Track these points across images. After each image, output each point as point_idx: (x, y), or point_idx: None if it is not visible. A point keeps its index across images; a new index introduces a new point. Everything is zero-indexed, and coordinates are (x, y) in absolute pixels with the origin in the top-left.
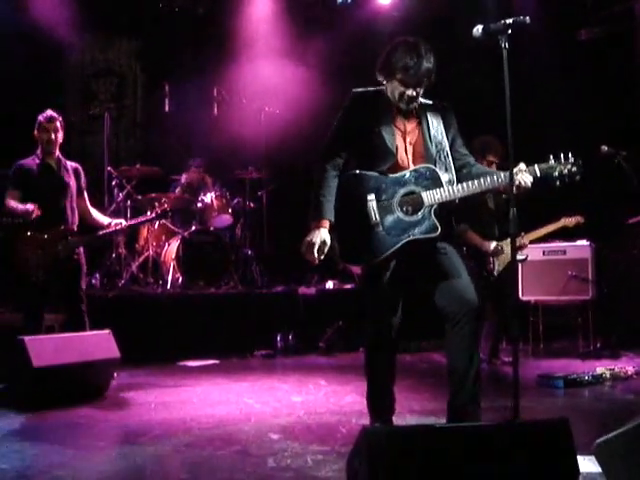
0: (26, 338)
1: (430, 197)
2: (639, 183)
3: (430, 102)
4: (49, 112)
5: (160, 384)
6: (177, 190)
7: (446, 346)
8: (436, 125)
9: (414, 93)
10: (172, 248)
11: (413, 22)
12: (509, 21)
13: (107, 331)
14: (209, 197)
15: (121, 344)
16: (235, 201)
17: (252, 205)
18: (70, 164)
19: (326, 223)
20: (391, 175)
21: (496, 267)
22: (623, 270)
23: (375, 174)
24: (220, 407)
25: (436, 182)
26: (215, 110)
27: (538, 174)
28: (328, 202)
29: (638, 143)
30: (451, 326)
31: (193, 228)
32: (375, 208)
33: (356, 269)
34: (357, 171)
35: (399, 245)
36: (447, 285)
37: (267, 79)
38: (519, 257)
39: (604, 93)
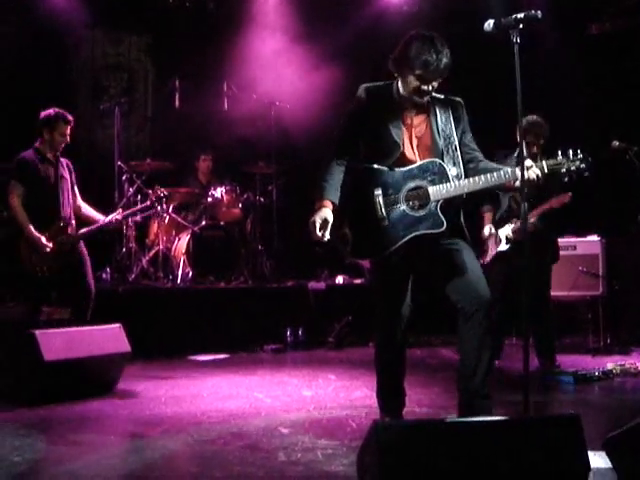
0: (37, 332)
1: (437, 192)
2: None
3: (440, 96)
4: (67, 115)
5: (170, 378)
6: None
7: (459, 340)
8: (445, 119)
9: (430, 88)
10: (182, 243)
11: (423, 16)
12: (520, 15)
13: (117, 325)
14: (219, 192)
15: (131, 338)
16: (245, 196)
17: (262, 200)
18: (63, 160)
19: (327, 203)
20: (398, 169)
21: (489, 255)
22: (633, 266)
23: (383, 168)
24: (230, 401)
25: (443, 176)
26: (225, 105)
27: (546, 170)
28: (330, 186)
29: None
30: (464, 321)
31: (203, 223)
32: (381, 202)
33: (366, 263)
34: (365, 165)
35: (404, 240)
36: (459, 279)
37: (277, 74)
38: (503, 248)
39: (615, 88)
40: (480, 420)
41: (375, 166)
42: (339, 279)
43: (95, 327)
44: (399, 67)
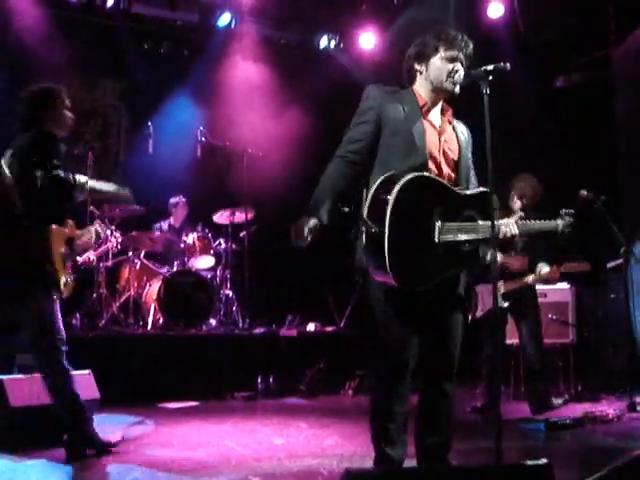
0: (4, 378)
1: (486, 228)
2: (618, 228)
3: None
4: None
5: (140, 425)
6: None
7: (420, 397)
8: (465, 138)
9: (462, 69)
10: (153, 289)
11: (395, 66)
12: (489, 67)
13: (87, 371)
14: (191, 238)
15: (101, 385)
16: (217, 242)
17: (234, 246)
18: None
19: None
20: (457, 190)
21: (477, 311)
22: (603, 314)
23: (444, 183)
24: (200, 449)
25: (490, 211)
26: (198, 152)
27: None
28: (325, 203)
29: (616, 188)
30: (426, 384)
31: (175, 269)
32: (439, 226)
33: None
34: (422, 174)
35: (448, 274)
36: (436, 344)
37: (250, 122)
38: (502, 304)
39: (583, 139)
40: (455, 468)
41: (433, 177)
42: (310, 326)
43: None
44: (421, 56)
